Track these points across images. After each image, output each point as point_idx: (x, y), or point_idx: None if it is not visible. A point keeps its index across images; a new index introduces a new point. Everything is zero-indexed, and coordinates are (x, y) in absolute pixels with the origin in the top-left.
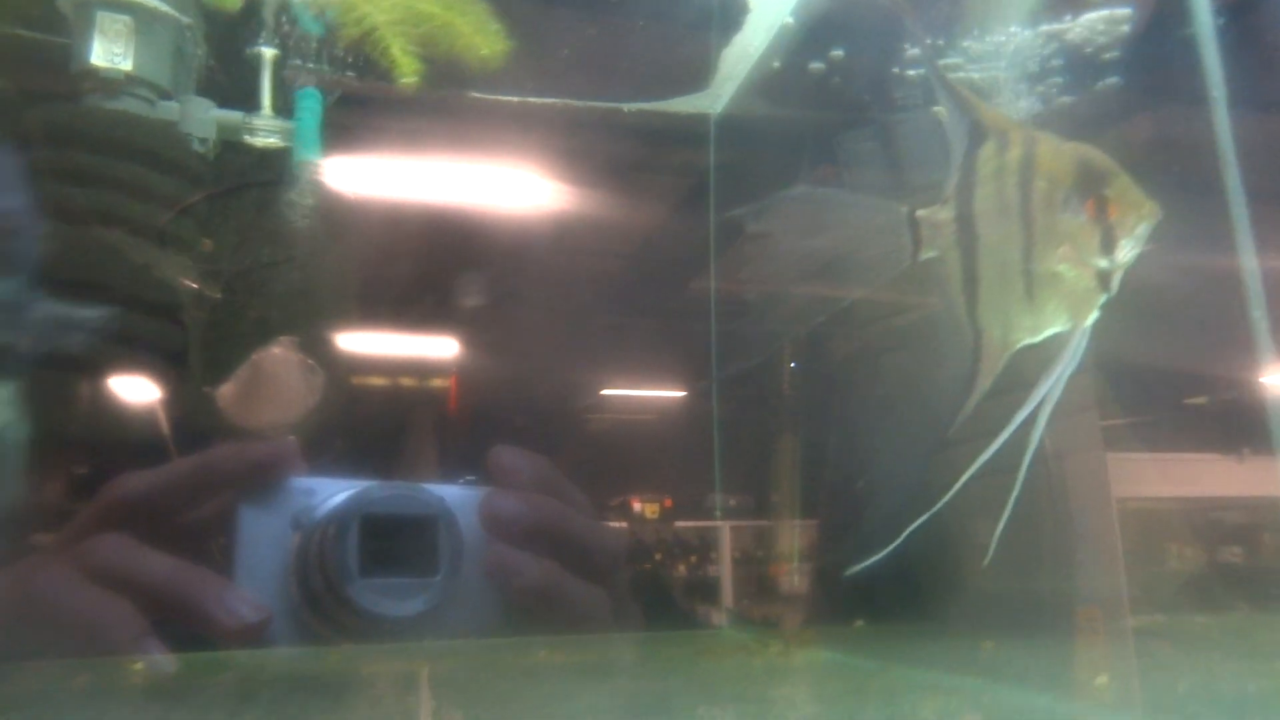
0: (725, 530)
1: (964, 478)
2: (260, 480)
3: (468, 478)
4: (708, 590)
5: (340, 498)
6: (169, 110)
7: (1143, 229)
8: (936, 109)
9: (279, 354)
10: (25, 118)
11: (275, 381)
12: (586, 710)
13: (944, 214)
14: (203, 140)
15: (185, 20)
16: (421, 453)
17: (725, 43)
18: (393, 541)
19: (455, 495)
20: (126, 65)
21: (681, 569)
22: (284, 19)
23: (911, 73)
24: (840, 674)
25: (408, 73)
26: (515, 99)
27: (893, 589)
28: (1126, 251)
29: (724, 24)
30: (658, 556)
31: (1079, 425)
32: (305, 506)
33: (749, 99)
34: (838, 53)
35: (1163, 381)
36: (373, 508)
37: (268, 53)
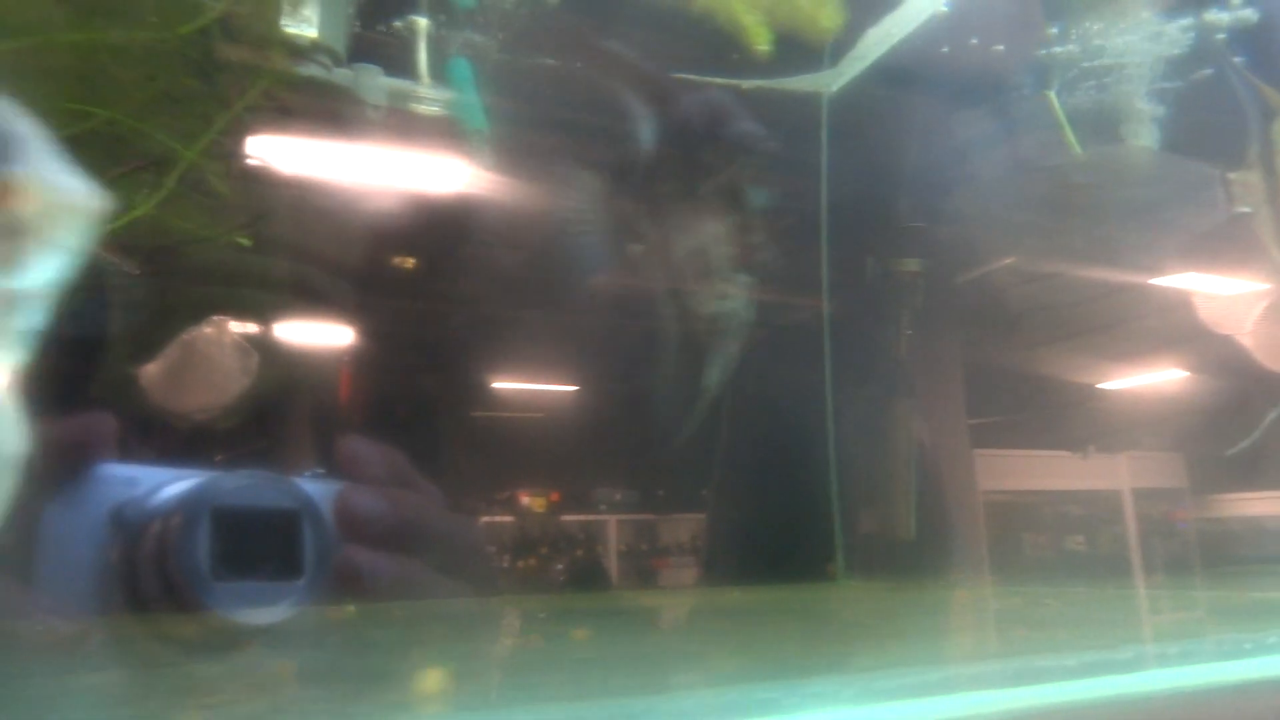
0: (612, 523)
1: None
2: (64, 466)
3: (314, 470)
4: (596, 579)
5: (180, 488)
6: (344, 76)
7: None
8: (1048, 93)
9: (211, 334)
10: None
11: (207, 363)
12: None
13: (1252, 176)
14: (375, 108)
15: None
16: (300, 444)
17: (872, 23)
18: (250, 539)
19: (307, 486)
20: (312, 31)
21: (565, 561)
22: None
23: (1040, 59)
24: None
25: (761, 42)
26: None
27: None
28: None
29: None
30: (544, 550)
31: (950, 425)
32: (129, 499)
33: (872, 81)
34: (974, 40)
35: (1022, 385)
36: (225, 499)
37: (421, 22)
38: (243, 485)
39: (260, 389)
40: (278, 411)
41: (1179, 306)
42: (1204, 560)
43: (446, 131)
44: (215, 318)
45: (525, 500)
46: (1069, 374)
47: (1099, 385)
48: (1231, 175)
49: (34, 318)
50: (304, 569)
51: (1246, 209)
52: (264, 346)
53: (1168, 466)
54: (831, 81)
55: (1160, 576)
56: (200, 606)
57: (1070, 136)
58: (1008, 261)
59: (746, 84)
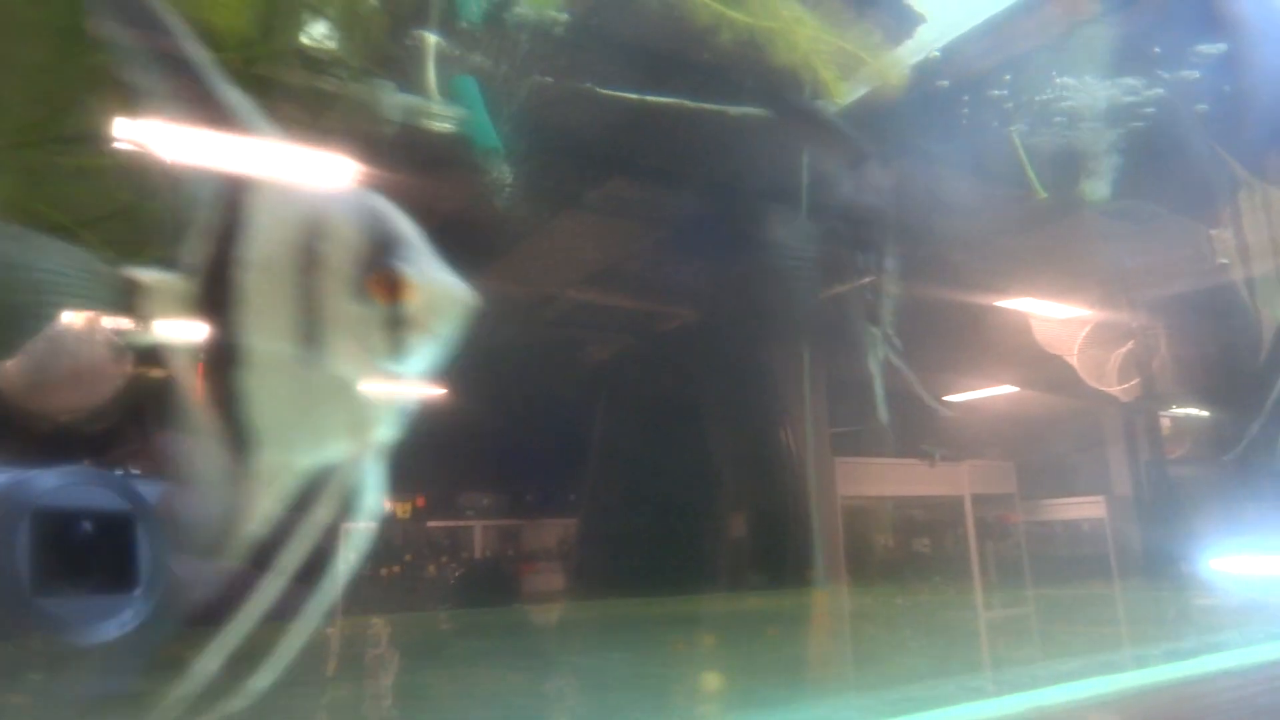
0: (477, 529)
1: None
2: None
3: (128, 469)
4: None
5: None
6: (359, 91)
7: None
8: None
9: (81, 330)
10: None
11: (74, 361)
12: None
13: (1227, 234)
14: (389, 123)
15: (371, 2)
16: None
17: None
18: (76, 545)
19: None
20: (331, 44)
21: (431, 568)
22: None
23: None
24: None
25: (837, 95)
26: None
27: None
28: None
29: (893, 36)
30: (408, 557)
31: (813, 434)
32: None
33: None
34: (944, 83)
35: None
36: (47, 500)
37: (430, 38)
38: (66, 483)
39: (130, 388)
40: (146, 412)
41: (1018, 328)
42: (1030, 557)
43: (459, 148)
44: (86, 314)
45: (389, 506)
46: (918, 386)
47: (944, 398)
48: (1212, 232)
49: (411, 399)
50: (139, 580)
51: (1225, 260)
52: (136, 344)
53: (1001, 474)
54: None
55: (994, 574)
56: (20, 626)
57: (1032, 176)
58: (866, 281)
59: (734, 109)
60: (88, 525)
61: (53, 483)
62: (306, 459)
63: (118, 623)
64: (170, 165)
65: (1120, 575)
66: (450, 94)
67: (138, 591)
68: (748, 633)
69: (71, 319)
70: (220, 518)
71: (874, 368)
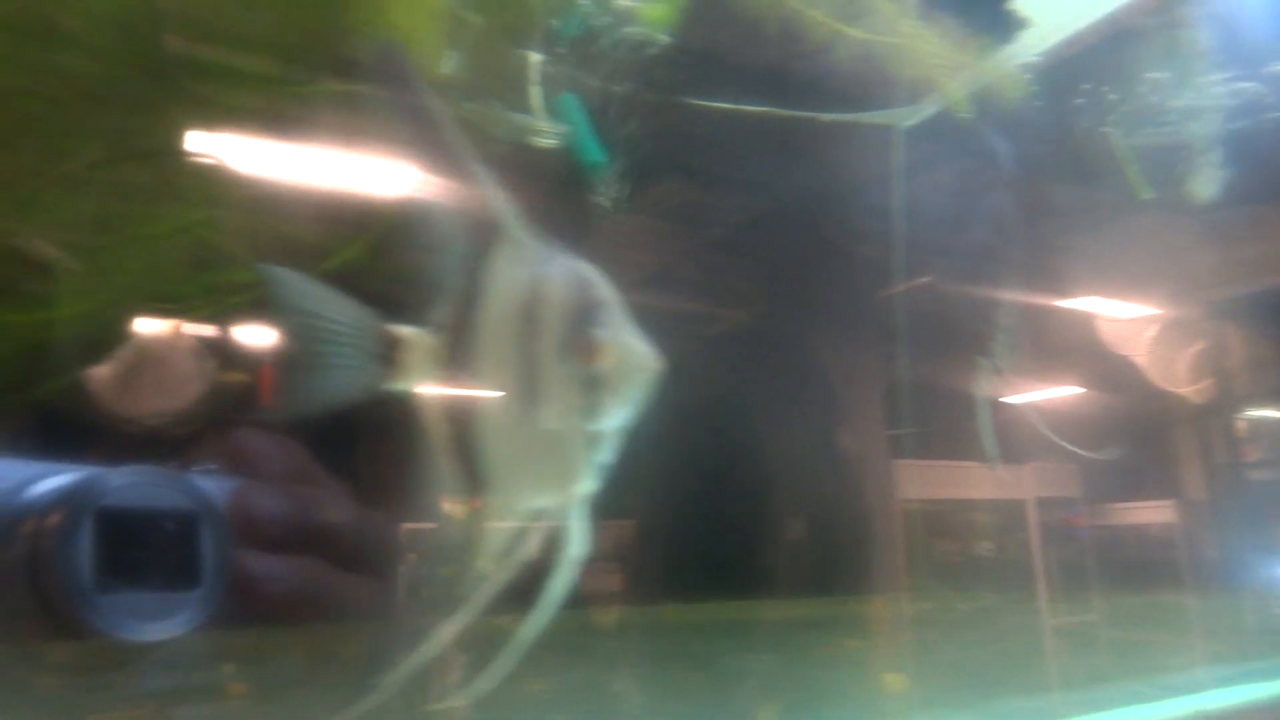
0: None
1: None
2: None
3: (207, 465)
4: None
5: (56, 484)
6: (470, 111)
7: None
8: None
9: (167, 337)
10: None
11: (161, 367)
12: None
13: None
14: (499, 142)
15: (478, 22)
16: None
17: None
18: (139, 544)
19: (203, 485)
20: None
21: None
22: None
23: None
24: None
25: (961, 109)
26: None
27: (719, 572)
28: None
29: (1000, 38)
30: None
31: (871, 435)
32: None
33: (950, 115)
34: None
35: (937, 397)
36: (112, 499)
37: (534, 56)
38: (131, 482)
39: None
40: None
41: (1082, 327)
42: (1096, 562)
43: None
44: (171, 320)
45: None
46: (979, 388)
47: (1004, 399)
48: None
49: (607, 455)
50: (201, 578)
51: None
52: (221, 350)
53: (1066, 477)
54: (907, 117)
55: (1059, 579)
56: (81, 623)
57: (1135, 176)
58: (924, 280)
59: (826, 116)
60: (151, 524)
61: (118, 482)
62: (527, 503)
63: (178, 621)
64: (427, 225)
65: (1193, 582)
66: (555, 111)
67: (199, 591)
68: (869, 636)
69: (159, 327)
70: (451, 556)
71: (980, 390)
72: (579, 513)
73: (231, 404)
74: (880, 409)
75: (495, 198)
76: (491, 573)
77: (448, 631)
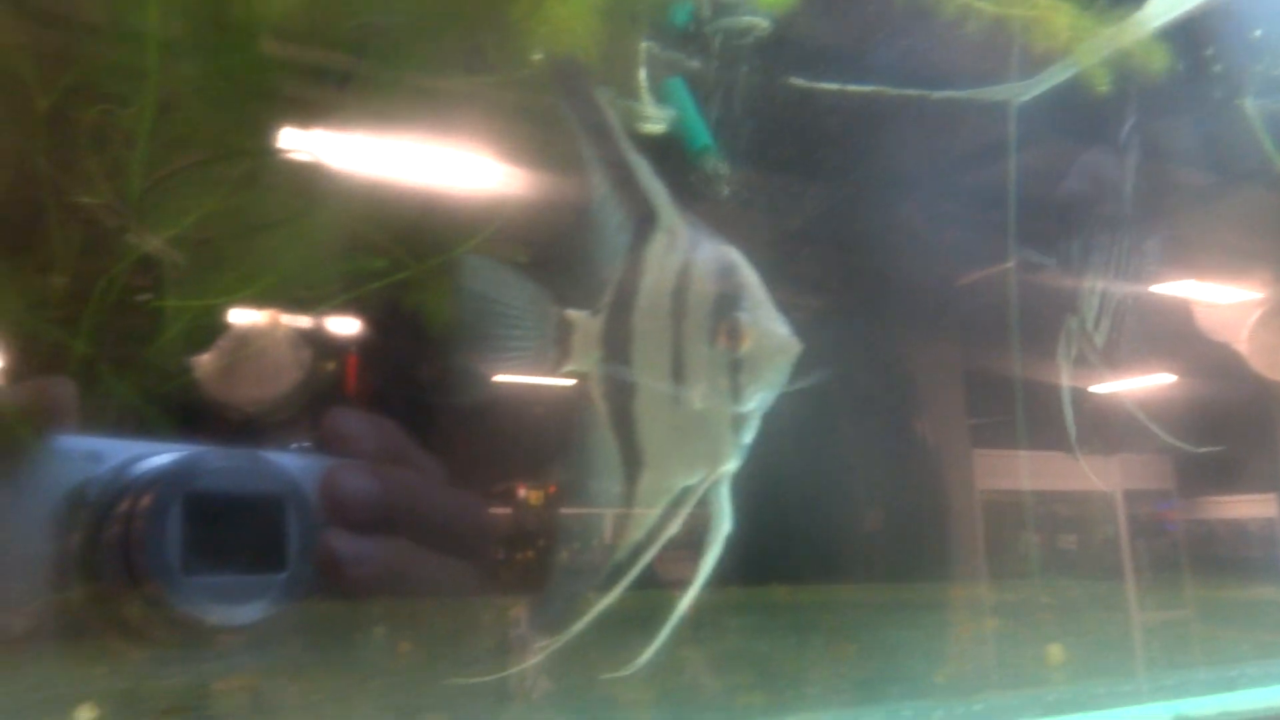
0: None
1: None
2: (17, 439)
3: (300, 444)
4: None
5: (152, 466)
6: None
7: None
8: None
9: (266, 325)
10: None
11: (262, 354)
12: None
13: None
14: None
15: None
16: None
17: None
18: (227, 527)
19: (293, 466)
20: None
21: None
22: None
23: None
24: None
25: (1100, 83)
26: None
27: (802, 559)
28: None
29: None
30: (541, 542)
31: (951, 425)
32: (92, 476)
33: (1068, 92)
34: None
35: (1017, 389)
36: (200, 483)
37: (641, 43)
38: (222, 465)
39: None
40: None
41: (1177, 313)
42: (1189, 559)
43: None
44: (270, 311)
45: (522, 492)
46: (1064, 376)
47: (1093, 388)
48: None
49: (749, 436)
50: (287, 562)
51: None
52: (316, 339)
53: (1157, 469)
54: (1022, 92)
55: (1148, 574)
56: (168, 601)
57: (1272, 149)
58: (1005, 266)
59: (936, 94)
60: (239, 508)
61: (209, 466)
62: (679, 481)
63: (262, 604)
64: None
65: None
66: (661, 96)
67: (284, 575)
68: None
69: (258, 317)
70: (605, 529)
71: (1065, 365)
72: (724, 491)
73: (328, 389)
74: (961, 397)
75: (654, 188)
76: (642, 548)
77: (601, 604)
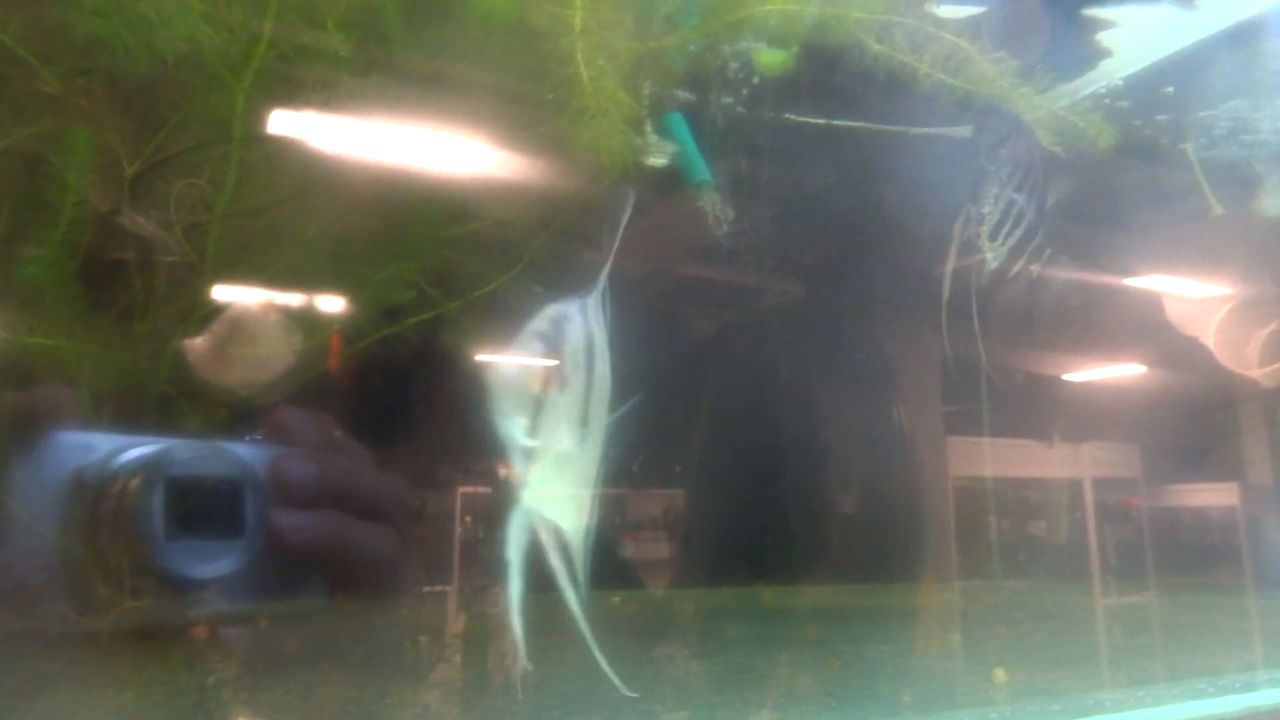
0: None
1: None
2: (27, 435)
3: (253, 436)
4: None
5: (138, 454)
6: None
7: None
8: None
9: (258, 310)
10: None
11: (253, 339)
12: None
13: None
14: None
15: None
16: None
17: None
18: (198, 502)
19: (248, 455)
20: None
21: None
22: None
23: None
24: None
25: (1105, 142)
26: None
27: (768, 550)
28: None
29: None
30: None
31: (925, 412)
32: (88, 463)
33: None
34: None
35: (992, 377)
36: (178, 469)
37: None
38: (195, 455)
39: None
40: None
41: (1148, 307)
42: (1154, 546)
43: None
44: (260, 296)
45: (503, 471)
46: (1037, 366)
47: (1064, 377)
48: None
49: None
50: (245, 530)
51: None
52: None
53: (1124, 457)
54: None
55: (1114, 561)
56: (154, 561)
57: (1208, 192)
58: (981, 258)
59: (914, 130)
60: (207, 488)
61: (181, 455)
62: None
63: (226, 563)
64: None
65: (1254, 569)
66: (662, 130)
67: (242, 540)
68: (972, 624)
69: (246, 308)
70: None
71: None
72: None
73: (304, 376)
74: (935, 385)
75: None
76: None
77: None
